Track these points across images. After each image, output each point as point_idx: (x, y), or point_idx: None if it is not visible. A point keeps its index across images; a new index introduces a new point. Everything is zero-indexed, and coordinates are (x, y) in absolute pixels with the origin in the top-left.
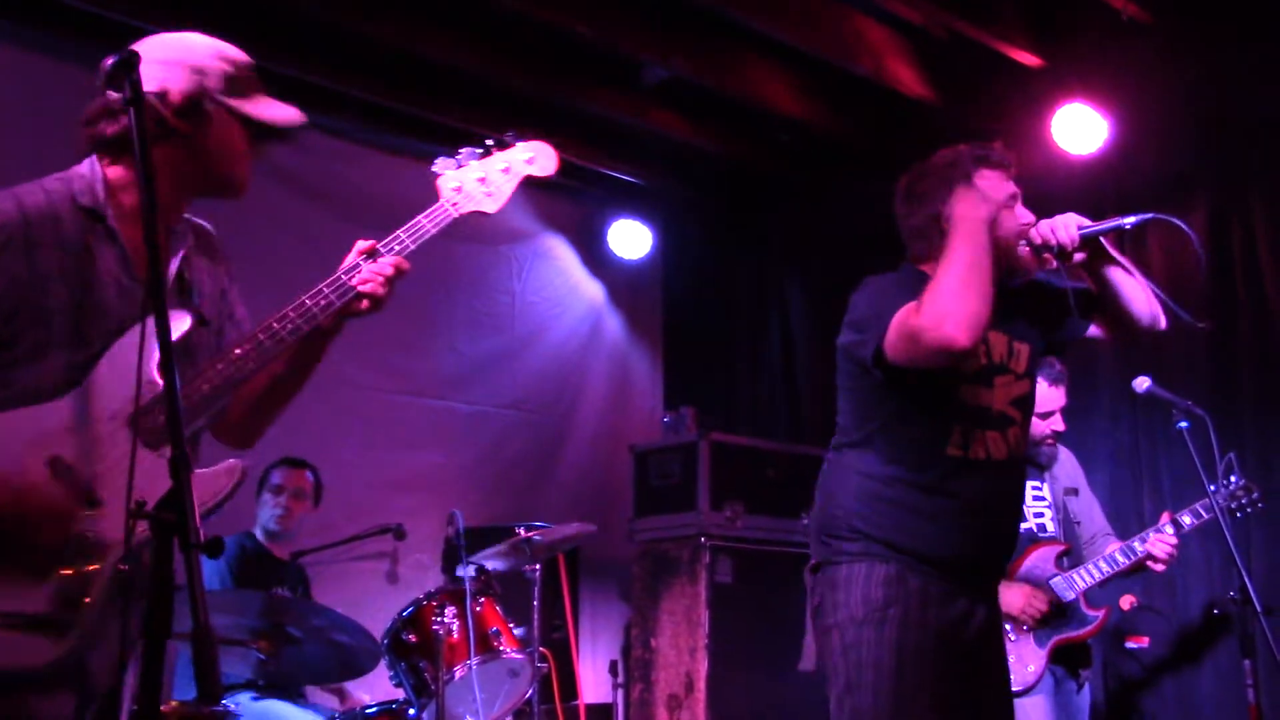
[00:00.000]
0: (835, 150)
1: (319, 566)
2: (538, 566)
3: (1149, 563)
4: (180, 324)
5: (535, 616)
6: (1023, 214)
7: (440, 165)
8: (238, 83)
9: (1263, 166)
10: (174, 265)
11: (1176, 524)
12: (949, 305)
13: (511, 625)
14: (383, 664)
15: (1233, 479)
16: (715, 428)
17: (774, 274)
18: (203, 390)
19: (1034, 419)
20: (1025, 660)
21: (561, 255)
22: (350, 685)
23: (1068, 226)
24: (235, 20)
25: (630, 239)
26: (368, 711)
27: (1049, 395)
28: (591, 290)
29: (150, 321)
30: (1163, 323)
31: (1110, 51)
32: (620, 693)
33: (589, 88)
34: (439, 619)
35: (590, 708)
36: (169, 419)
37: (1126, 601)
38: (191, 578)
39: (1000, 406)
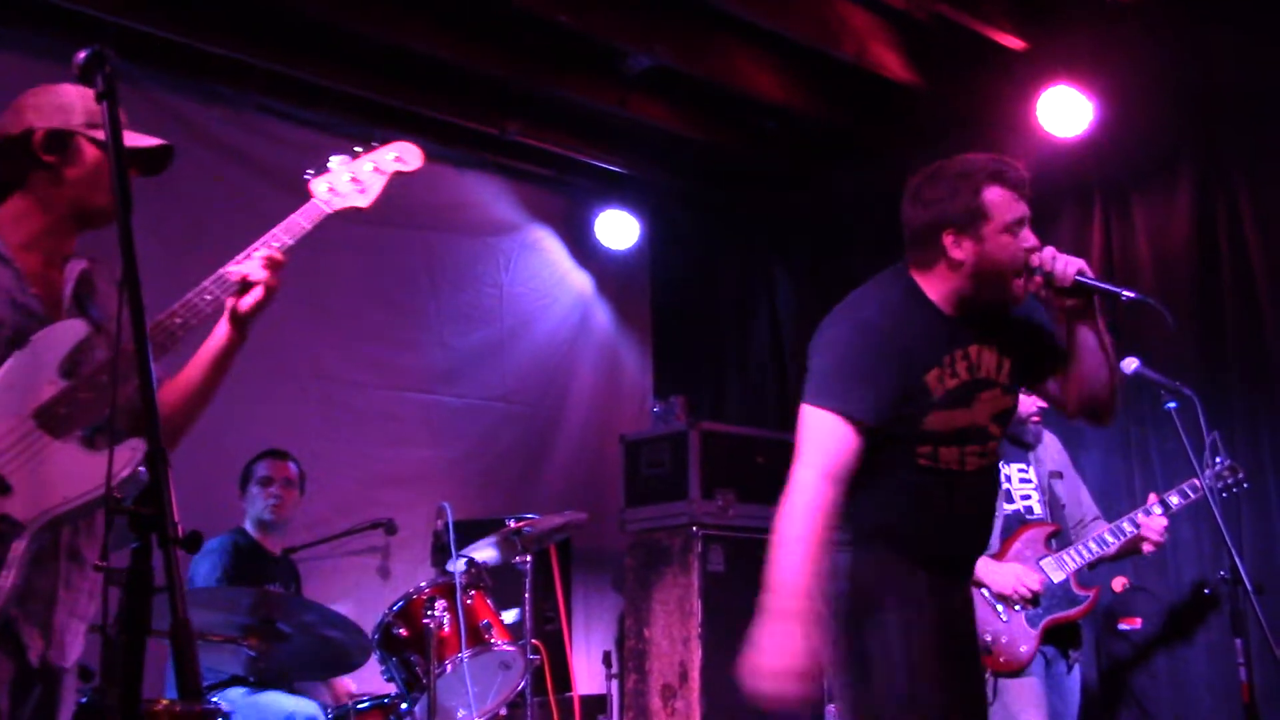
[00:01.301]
0: (820, 136)
1: (310, 562)
2: (529, 558)
3: (1141, 544)
4: (76, 330)
5: (527, 608)
6: (1027, 238)
7: (313, 176)
8: (99, 116)
9: (1247, 146)
10: (70, 284)
11: (1165, 504)
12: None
13: (503, 615)
14: (374, 658)
15: (1218, 460)
16: (705, 417)
17: (761, 261)
18: (102, 382)
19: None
20: (1017, 641)
21: (549, 247)
22: (341, 679)
23: (1070, 263)
24: (215, 16)
25: (617, 229)
26: (360, 706)
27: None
28: (579, 281)
29: (50, 329)
30: (1105, 421)
31: (1094, 33)
32: (614, 683)
33: (572, 77)
34: (429, 612)
35: (584, 699)
36: (146, 419)
37: (1118, 583)
38: (170, 573)
39: (982, 422)
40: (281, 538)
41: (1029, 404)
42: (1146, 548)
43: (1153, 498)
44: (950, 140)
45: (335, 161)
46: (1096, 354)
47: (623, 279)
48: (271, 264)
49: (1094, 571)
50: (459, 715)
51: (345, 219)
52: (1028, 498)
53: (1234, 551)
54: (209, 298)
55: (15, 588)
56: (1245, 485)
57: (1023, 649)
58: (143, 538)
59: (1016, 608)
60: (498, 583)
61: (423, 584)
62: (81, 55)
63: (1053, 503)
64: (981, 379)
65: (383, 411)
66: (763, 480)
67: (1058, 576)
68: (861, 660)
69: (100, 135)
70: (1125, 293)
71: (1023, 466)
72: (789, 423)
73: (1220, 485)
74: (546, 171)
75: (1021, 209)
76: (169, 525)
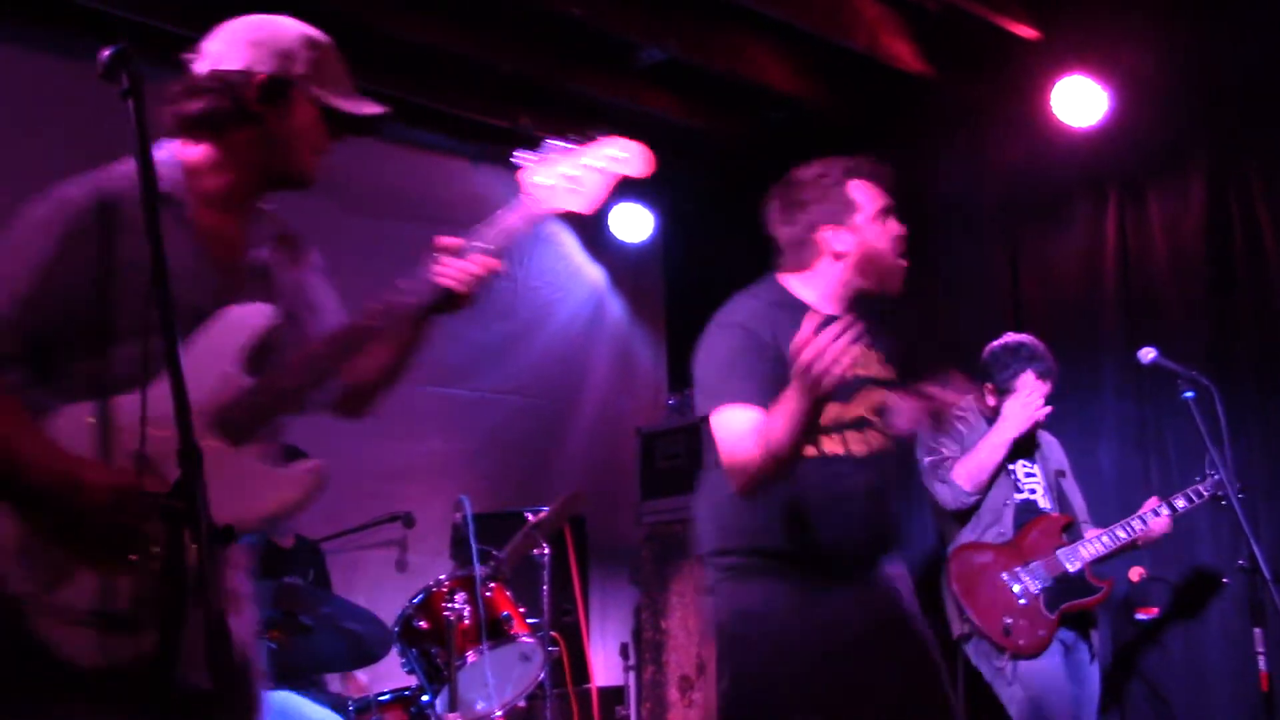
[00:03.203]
0: (832, 128)
1: (329, 555)
2: (546, 550)
3: (1141, 540)
4: (262, 315)
5: (545, 600)
6: (894, 226)
7: (522, 158)
8: (323, 70)
9: (1262, 136)
10: (251, 255)
11: (1171, 507)
12: (756, 472)
13: (522, 610)
14: (394, 651)
15: (1212, 474)
16: None
17: (775, 253)
18: (284, 385)
19: None
20: (1035, 626)
21: (562, 240)
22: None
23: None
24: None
25: (631, 222)
26: (380, 699)
27: (1037, 388)
28: (593, 274)
29: (235, 311)
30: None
31: (1108, 23)
32: (632, 675)
33: (583, 71)
34: (450, 605)
35: (602, 690)
36: (176, 411)
37: (1135, 573)
38: (202, 568)
39: (859, 414)
40: (288, 529)
41: None
42: (1149, 542)
43: (1154, 501)
44: (962, 131)
45: (550, 149)
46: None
47: (636, 272)
48: (488, 274)
49: (1108, 564)
50: (478, 707)
51: (351, 213)
52: (1034, 491)
53: (1252, 540)
54: (412, 300)
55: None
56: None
57: (1041, 632)
58: (176, 532)
59: (1022, 596)
60: (516, 575)
61: (442, 577)
62: (106, 53)
63: (1061, 498)
64: (864, 378)
65: (398, 405)
66: None
67: (1073, 567)
68: (740, 679)
69: (322, 93)
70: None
71: (1027, 462)
72: None
73: (1221, 493)
74: None
75: (884, 199)
76: (202, 520)
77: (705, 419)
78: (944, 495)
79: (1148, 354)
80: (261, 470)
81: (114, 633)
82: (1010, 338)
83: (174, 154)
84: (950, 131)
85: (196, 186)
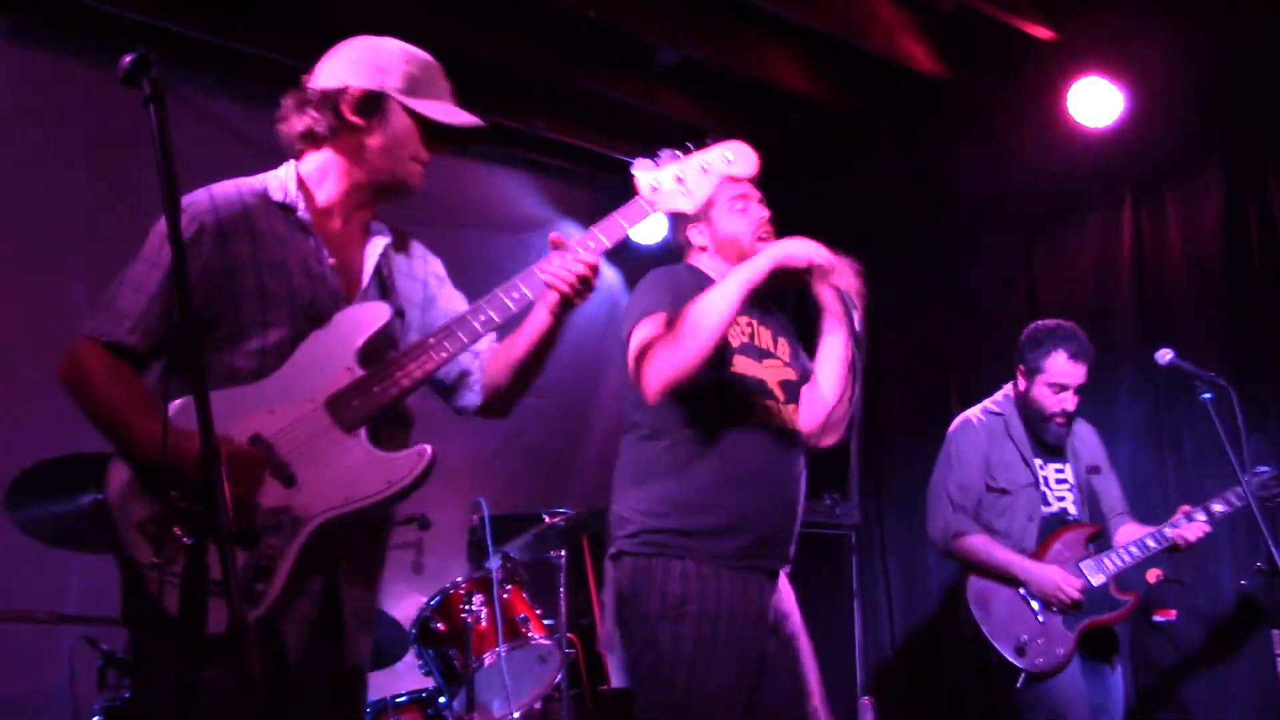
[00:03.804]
0: (847, 129)
1: None
2: (563, 552)
3: (1179, 547)
4: (381, 313)
5: (562, 602)
6: (756, 210)
7: (639, 166)
8: (419, 84)
9: (1278, 135)
10: (373, 260)
11: (1209, 513)
12: (666, 361)
13: (538, 612)
14: (411, 653)
15: (1261, 469)
16: None
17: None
18: (401, 384)
19: (1045, 391)
20: (1054, 643)
21: None
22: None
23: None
24: (245, 15)
25: (646, 224)
26: (398, 700)
27: (1068, 369)
28: (608, 276)
29: (353, 310)
30: (827, 440)
31: (1124, 23)
32: None
33: (599, 72)
34: (467, 607)
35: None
36: (198, 408)
37: (1153, 575)
38: (225, 570)
39: (771, 385)
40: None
41: (1052, 404)
42: (1184, 546)
43: (1185, 509)
44: (978, 132)
45: (664, 156)
46: (837, 362)
47: None
48: (592, 273)
49: (1133, 573)
50: (496, 709)
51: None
52: (1063, 499)
53: (1270, 542)
54: (516, 295)
55: (282, 593)
56: None
57: (1059, 650)
58: (196, 535)
59: (1054, 610)
60: (533, 577)
61: (459, 579)
62: (127, 60)
63: (1091, 500)
64: (761, 348)
65: (415, 407)
66: None
67: (1097, 579)
68: (657, 664)
69: (416, 104)
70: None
71: (1059, 467)
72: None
73: (1265, 495)
74: (574, 166)
75: (742, 187)
76: (223, 522)
77: (628, 372)
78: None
79: (1165, 355)
80: (370, 455)
81: (226, 600)
82: (1050, 320)
83: (291, 167)
84: (965, 133)
85: (311, 196)
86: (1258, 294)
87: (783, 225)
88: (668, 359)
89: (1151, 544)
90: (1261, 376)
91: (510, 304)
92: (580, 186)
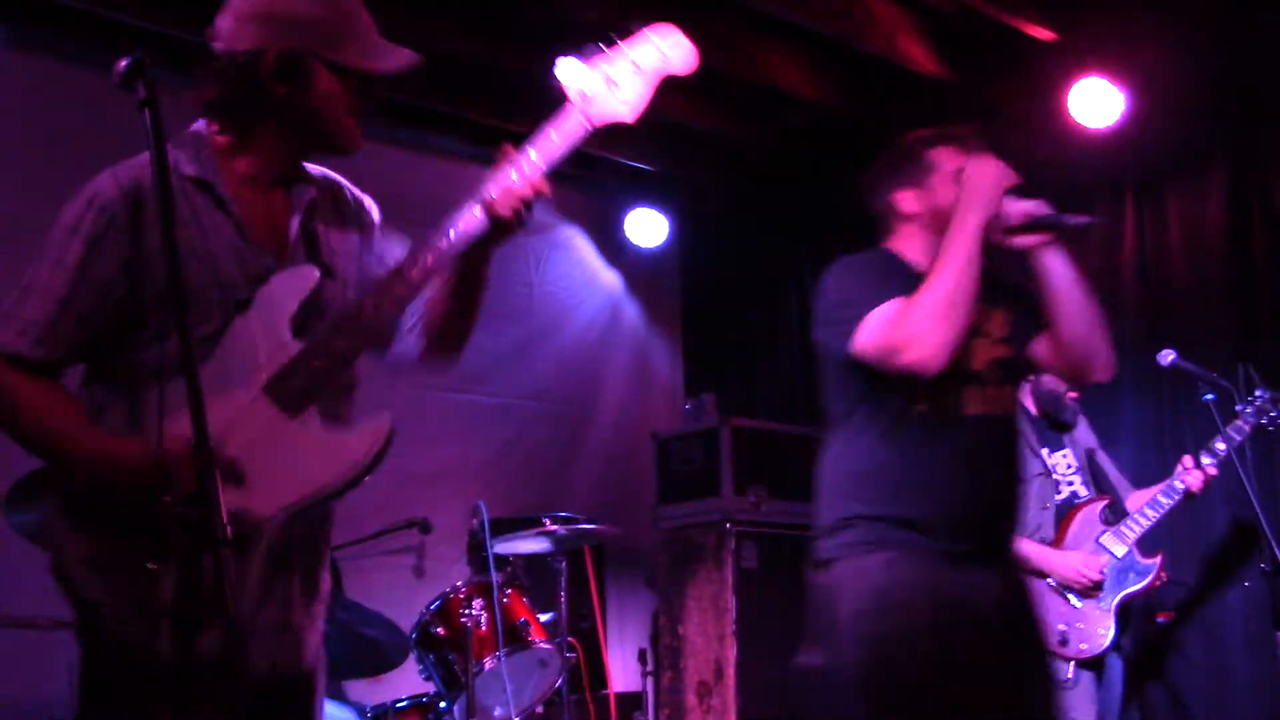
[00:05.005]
0: (849, 130)
1: (345, 561)
2: (564, 557)
3: (1195, 491)
4: (307, 277)
5: (563, 606)
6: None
7: (564, 67)
8: (337, 30)
9: None
10: (295, 223)
11: (1213, 454)
12: (925, 328)
13: (539, 615)
14: (412, 657)
15: (1258, 393)
16: (736, 413)
17: (791, 257)
18: (335, 345)
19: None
20: (1095, 623)
21: (578, 245)
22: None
23: (1018, 205)
24: None
25: (646, 227)
26: (398, 705)
27: None
28: (609, 279)
29: (277, 280)
30: (1104, 374)
31: (1125, 23)
32: (650, 680)
33: None
34: (467, 611)
35: (620, 696)
36: (192, 415)
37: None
38: (219, 574)
39: (978, 368)
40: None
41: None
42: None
43: (1189, 460)
44: (979, 133)
45: (589, 53)
46: (1074, 290)
47: (652, 277)
48: (535, 197)
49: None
50: (496, 713)
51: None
52: (1072, 483)
53: (1273, 542)
54: (453, 236)
55: (251, 604)
56: None
57: (1101, 631)
58: (191, 539)
59: (1077, 599)
60: (533, 581)
61: (460, 583)
62: (122, 63)
63: (1097, 476)
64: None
65: (415, 411)
66: (795, 476)
67: (1120, 550)
68: (875, 664)
69: (338, 56)
70: (1074, 219)
71: (1064, 453)
72: (820, 418)
73: (1265, 420)
74: (575, 170)
75: (962, 160)
76: (217, 526)
77: (831, 362)
78: None
79: (1167, 356)
80: (323, 436)
81: (184, 628)
82: None
83: (205, 137)
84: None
85: (230, 168)
86: (1261, 295)
87: (783, 225)
88: (941, 327)
89: (1165, 500)
90: (1264, 377)
91: (444, 248)
92: (581, 190)
